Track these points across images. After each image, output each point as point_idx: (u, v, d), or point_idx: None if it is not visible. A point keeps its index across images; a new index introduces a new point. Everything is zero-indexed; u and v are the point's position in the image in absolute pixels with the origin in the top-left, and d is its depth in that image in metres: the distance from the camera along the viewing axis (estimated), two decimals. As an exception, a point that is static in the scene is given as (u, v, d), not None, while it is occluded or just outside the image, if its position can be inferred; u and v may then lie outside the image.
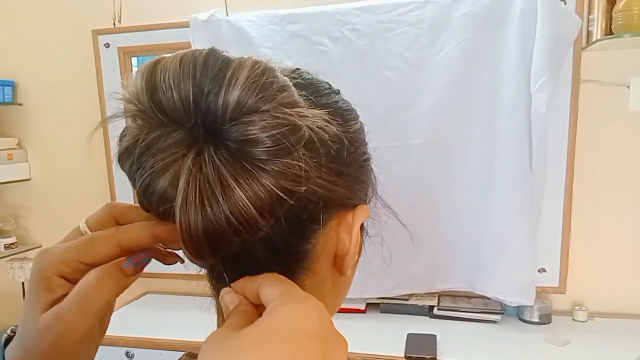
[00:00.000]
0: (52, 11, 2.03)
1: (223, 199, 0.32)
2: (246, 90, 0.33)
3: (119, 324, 1.79)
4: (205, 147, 0.33)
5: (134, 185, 0.36)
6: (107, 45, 1.95)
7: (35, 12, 2.06)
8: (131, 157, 0.35)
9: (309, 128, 0.34)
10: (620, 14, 1.44)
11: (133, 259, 0.39)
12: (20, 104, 2.11)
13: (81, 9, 1.99)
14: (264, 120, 0.32)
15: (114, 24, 1.94)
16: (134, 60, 1.96)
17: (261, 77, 0.33)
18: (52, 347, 0.37)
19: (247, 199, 0.32)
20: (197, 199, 0.32)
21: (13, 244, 2.12)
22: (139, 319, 1.84)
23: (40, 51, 2.07)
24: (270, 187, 0.32)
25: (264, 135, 0.32)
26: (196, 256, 0.35)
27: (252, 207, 0.32)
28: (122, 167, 0.36)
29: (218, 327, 0.43)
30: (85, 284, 0.37)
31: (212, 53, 0.35)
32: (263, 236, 0.34)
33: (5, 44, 2.11)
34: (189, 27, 1.72)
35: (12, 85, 2.09)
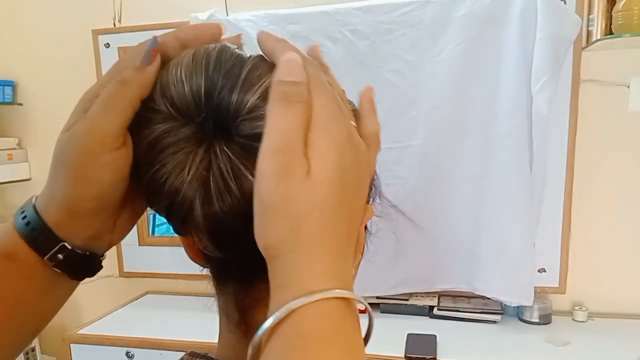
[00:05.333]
0: (52, 11, 2.03)
1: (238, 190, 0.32)
2: (265, 96, 0.33)
3: (119, 324, 1.79)
4: (216, 142, 0.33)
5: (140, 179, 0.36)
6: (107, 45, 1.95)
7: (35, 11, 2.06)
8: (138, 150, 0.35)
9: None
10: (620, 13, 1.44)
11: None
12: (21, 104, 2.11)
13: (81, 9, 1.99)
14: None
15: (114, 24, 1.94)
16: (134, 60, 1.96)
17: None
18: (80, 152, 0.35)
19: None
20: (211, 193, 0.33)
21: (13, 244, 2.12)
22: (139, 319, 1.84)
23: (41, 51, 2.07)
24: None
25: None
26: (213, 249, 0.35)
27: None
28: None
29: (221, 326, 0.43)
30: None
31: (224, 49, 0.35)
32: None
33: (5, 44, 2.11)
34: (189, 27, 1.72)
35: (12, 85, 2.09)
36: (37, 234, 0.36)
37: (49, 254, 0.36)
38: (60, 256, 0.36)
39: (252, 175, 0.32)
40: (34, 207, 0.37)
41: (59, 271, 0.37)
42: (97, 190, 0.35)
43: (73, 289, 0.40)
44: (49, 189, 0.37)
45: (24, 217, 0.37)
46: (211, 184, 0.33)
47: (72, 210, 0.36)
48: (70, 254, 0.37)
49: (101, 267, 0.40)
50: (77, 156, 0.35)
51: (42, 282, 0.37)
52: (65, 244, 0.36)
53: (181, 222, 0.35)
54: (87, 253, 0.38)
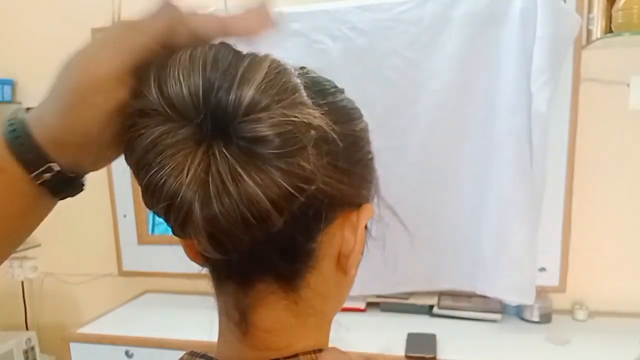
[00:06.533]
0: (52, 10, 2.03)
1: (237, 193, 0.32)
2: (260, 89, 0.32)
3: (119, 324, 1.79)
4: (215, 143, 0.33)
5: (139, 181, 0.35)
6: (106, 44, 1.95)
7: (34, 10, 2.06)
8: (136, 152, 0.35)
9: (317, 128, 0.34)
10: (620, 12, 1.44)
11: None
12: (20, 103, 2.11)
13: (81, 8, 1.99)
14: (273, 118, 0.32)
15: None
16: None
17: (276, 76, 0.33)
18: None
19: (261, 192, 0.32)
20: (210, 196, 0.32)
21: (12, 243, 2.12)
22: (138, 318, 1.84)
23: (40, 50, 2.06)
24: (281, 184, 0.32)
25: (273, 134, 0.32)
26: (212, 251, 0.35)
27: (266, 201, 0.32)
28: (127, 161, 0.36)
29: (220, 326, 0.43)
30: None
31: (222, 48, 0.35)
32: (271, 233, 0.34)
33: (4, 43, 2.10)
34: (188, 25, 1.72)
35: (11, 83, 2.09)
36: (26, 150, 0.36)
37: (36, 172, 0.36)
38: (47, 175, 0.36)
39: (251, 178, 0.32)
40: (24, 123, 0.37)
41: (43, 189, 0.37)
42: (82, 127, 0.36)
43: (50, 209, 0.40)
44: (41, 110, 0.37)
45: (14, 131, 0.36)
46: (210, 186, 0.32)
47: (57, 139, 0.36)
48: (56, 174, 0.37)
49: (82, 189, 0.40)
50: (68, 92, 0.35)
51: (26, 198, 0.37)
52: (53, 165, 0.36)
53: (180, 224, 0.35)
54: (73, 175, 0.38)
